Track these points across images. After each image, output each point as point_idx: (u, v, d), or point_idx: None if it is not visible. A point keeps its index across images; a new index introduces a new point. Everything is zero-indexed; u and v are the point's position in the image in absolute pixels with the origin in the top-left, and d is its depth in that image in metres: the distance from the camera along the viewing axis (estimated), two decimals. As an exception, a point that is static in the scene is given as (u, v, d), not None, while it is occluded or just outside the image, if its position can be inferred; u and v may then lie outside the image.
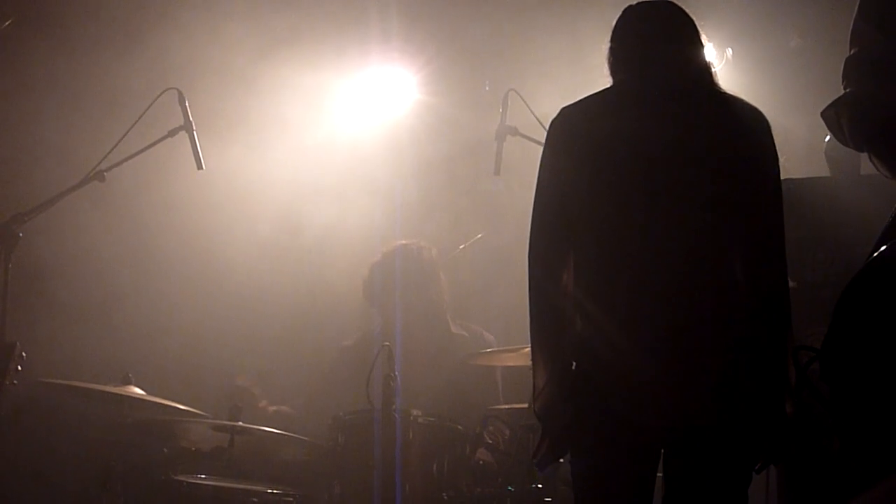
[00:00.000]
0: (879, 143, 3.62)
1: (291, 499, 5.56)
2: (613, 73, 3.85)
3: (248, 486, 5.53)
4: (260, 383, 6.30)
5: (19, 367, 5.14)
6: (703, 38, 3.85)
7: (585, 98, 3.83)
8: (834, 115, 3.67)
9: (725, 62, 6.53)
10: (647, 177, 3.66)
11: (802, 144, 5.75)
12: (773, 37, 6.79)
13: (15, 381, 5.13)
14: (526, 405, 5.05)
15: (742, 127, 3.72)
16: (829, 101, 3.73)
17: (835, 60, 3.86)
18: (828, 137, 5.19)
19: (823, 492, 4.65)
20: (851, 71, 3.72)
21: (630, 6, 3.89)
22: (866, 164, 3.91)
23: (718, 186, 3.64)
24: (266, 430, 5.57)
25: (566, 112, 3.81)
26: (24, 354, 5.16)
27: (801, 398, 3.58)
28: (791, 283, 3.81)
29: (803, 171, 4.96)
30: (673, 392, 3.59)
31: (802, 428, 3.75)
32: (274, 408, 6.22)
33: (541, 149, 3.85)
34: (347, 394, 5.60)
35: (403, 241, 6.34)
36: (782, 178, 3.79)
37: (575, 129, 3.77)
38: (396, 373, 5.14)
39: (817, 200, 4.76)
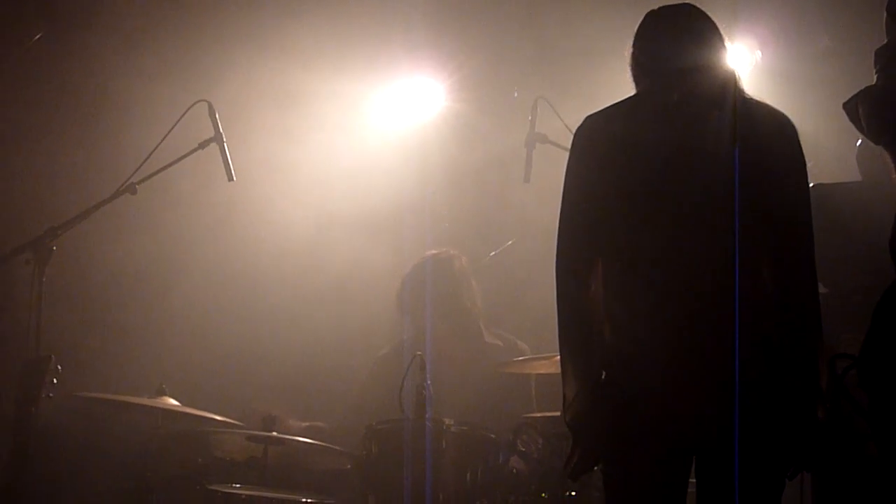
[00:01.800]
0: (893, 137, 3.60)
1: (325, 508, 5.58)
2: (637, 79, 3.83)
3: (283, 496, 5.54)
4: (279, 402, 6.26)
5: (55, 381, 5.18)
6: (727, 42, 3.83)
7: (610, 106, 3.82)
8: (854, 107, 3.67)
9: (754, 66, 6.52)
10: (672, 185, 3.65)
11: (833, 149, 5.72)
12: (802, 39, 6.76)
13: (51, 394, 5.17)
14: (558, 413, 5.04)
15: (768, 133, 3.70)
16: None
17: (866, 63, 3.84)
18: (859, 142, 5.17)
19: (859, 499, 4.63)
20: (878, 62, 3.71)
21: (652, 11, 3.87)
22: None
23: (745, 193, 3.62)
24: (300, 441, 5.59)
25: (591, 121, 3.80)
26: (59, 367, 5.20)
27: (836, 405, 3.57)
28: (822, 289, 3.79)
29: (834, 176, 4.95)
30: (704, 399, 3.58)
31: (836, 434, 3.73)
32: (306, 423, 6.22)
33: (570, 156, 3.85)
34: (383, 403, 5.61)
35: (434, 251, 6.34)
36: (812, 183, 3.78)
37: (600, 137, 3.76)
38: (428, 382, 5.15)
39: (848, 205, 4.74)
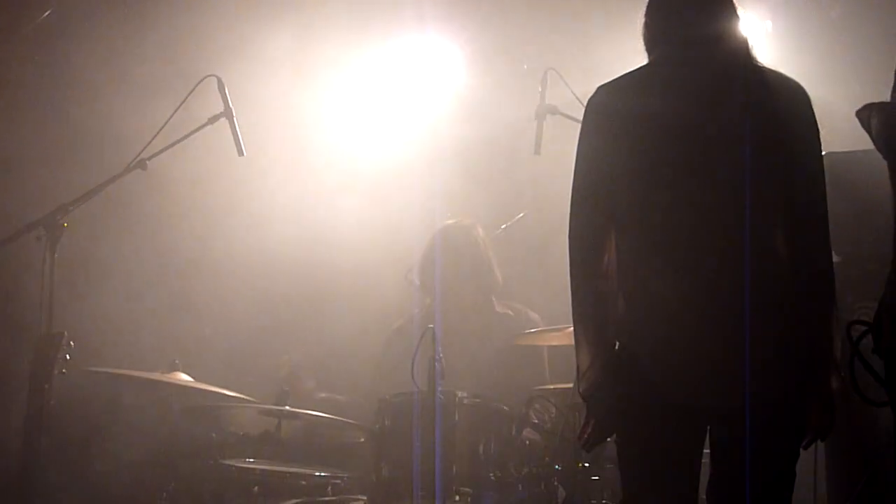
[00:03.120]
0: None
1: (339, 481, 5.59)
2: (649, 49, 3.82)
3: (296, 470, 5.57)
4: (305, 366, 6.29)
5: (67, 357, 5.20)
6: (740, 10, 3.82)
7: (622, 76, 3.80)
8: (867, 118, 3.65)
9: (765, 35, 6.48)
10: (685, 155, 3.64)
11: (844, 117, 5.69)
12: (813, 7, 6.72)
13: (63, 371, 5.19)
14: (571, 385, 5.05)
15: (781, 102, 3.69)
16: (870, 75, 3.70)
17: (876, 31, 3.82)
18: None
19: (874, 467, 4.63)
20: None
21: None
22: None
23: (758, 162, 3.61)
24: (313, 414, 5.60)
25: (603, 91, 3.79)
26: (71, 344, 5.22)
27: (851, 372, 3.57)
28: (836, 258, 3.79)
29: (846, 145, 4.92)
30: (718, 370, 3.58)
31: (850, 403, 3.73)
32: (324, 394, 6.23)
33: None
34: (398, 377, 5.60)
35: (451, 220, 6.32)
36: (824, 151, 3.77)
37: (612, 107, 3.74)
38: (440, 355, 5.14)
39: (860, 173, 4.72)
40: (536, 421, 5.37)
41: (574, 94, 5.78)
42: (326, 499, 5.60)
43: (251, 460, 5.57)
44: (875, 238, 4.72)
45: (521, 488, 5.21)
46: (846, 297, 4.68)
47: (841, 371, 3.64)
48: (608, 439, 3.79)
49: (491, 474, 5.21)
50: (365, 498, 5.46)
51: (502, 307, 6.31)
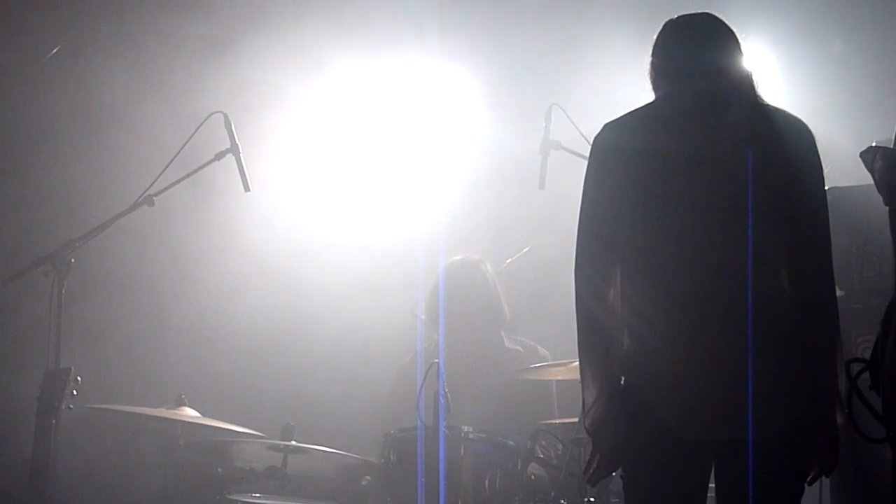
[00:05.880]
0: None
1: (345, 517, 5.59)
2: (655, 87, 3.85)
3: (302, 505, 5.57)
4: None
5: (74, 392, 5.21)
6: (744, 48, 3.85)
7: (628, 113, 3.83)
8: (871, 160, 3.67)
9: (768, 70, 6.51)
10: (690, 191, 3.66)
11: (847, 152, 5.72)
12: (815, 43, 6.76)
13: (71, 406, 5.20)
14: (576, 419, 5.06)
15: (785, 138, 3.71)
16: (873, 109, 3.72)
17: (878, 66, 3.84)
18: (873, 143, 5.17)
19: (878, 502, 4.63)
20: None
21: (670, 20, 3.89)
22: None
23: (763, 198, 3.64)
24: (319, 449, 5.60)
25: (609, 128, 3.82)
26: (79, 379, 5.23)
27: (849, 409, 3.57)
28: (839, 292, 3.79)
29: (848, 179, 4.95)
30: (723, 404, 3.59)
31: (855, 438, 3.73)
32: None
33: (585, 163, 3.86)
34: (406, 411, 5.60)
35: (459, 256, 6.32)
36: (827, 186, 3.79)
37: (618, 144, 3.77)
38: (444, 390, 5.14)
39: (863, 208, 4.75)
40: (542, 456, 5.37)
41: (578, 130, 5.80)
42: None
43: (257, 495, 5.56)
44: (878, 272, 4.74)
45: (526, 523, 5.21)
46: (849, 331, 4.69)
47: (845, 406, 3.65)
48: (613, 474, 3.80)
49: (496, 509, 5.21)
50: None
51: (512, 343, 6.31)
